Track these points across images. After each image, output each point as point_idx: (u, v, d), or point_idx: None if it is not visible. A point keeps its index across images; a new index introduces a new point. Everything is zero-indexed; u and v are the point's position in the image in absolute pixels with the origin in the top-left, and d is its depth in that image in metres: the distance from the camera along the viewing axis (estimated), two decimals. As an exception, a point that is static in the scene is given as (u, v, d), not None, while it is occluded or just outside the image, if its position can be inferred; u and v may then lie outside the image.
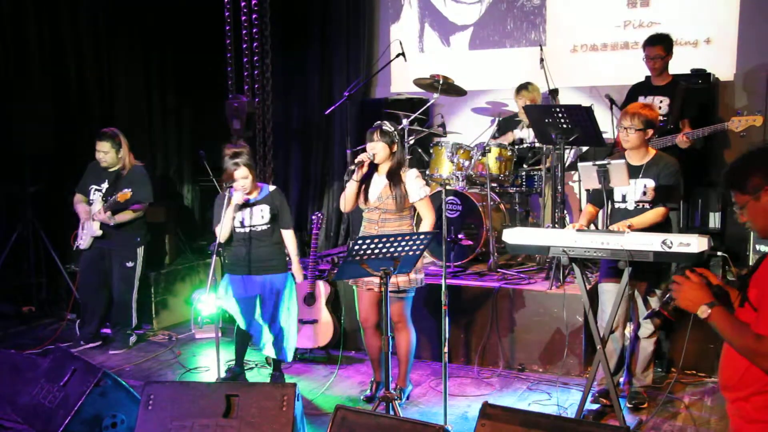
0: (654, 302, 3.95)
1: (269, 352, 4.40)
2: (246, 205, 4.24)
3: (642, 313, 4.00)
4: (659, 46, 5.08)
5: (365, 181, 4.06)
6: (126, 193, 4.88)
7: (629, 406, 4.04)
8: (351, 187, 4.03)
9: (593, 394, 3.98)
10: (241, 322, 4.35)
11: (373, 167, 4.05)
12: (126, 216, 5.17)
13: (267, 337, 4.35)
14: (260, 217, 4.27)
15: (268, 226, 4.30)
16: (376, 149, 3.97)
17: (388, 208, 3.98)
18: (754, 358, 2.06)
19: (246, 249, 4.26)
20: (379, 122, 4.04)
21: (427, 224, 4.03)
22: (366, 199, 4.06)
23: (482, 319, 4.87)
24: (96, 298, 5.37)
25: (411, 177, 4.02)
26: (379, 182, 4.04)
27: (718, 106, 5.96)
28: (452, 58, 7.11)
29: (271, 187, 4.37)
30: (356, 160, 3.99)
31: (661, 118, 5.13)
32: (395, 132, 4.01)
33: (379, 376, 4.27)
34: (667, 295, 2.33)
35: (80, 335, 5.36)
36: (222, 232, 4.16)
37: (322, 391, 4.45)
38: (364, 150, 4.04)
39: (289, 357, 4.47)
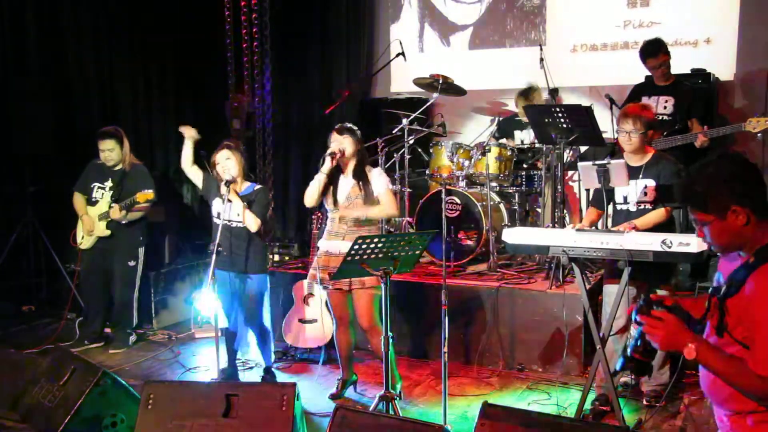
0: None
1: (254, 354, 4.41)
2: (225, 197, 4.20)
3: None
4: (660, 54, 5.10)
5: (332, 181, 4.06)
6: (148, 194, 4.87)
7: (646, 403, 4.04)
8: (320, 180, 4.02)
9: (591, 403, 3.96)
10: (222, 319, 4.36)
11: (338, 169, 4.06)
12: (137, 214, 5.18)
13: (250, 339, 4.36)
14: (236, 213, 4.22)
15: (244, 225, 4.28)
16: (345, 144, 4.01)
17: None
18: (762, 400, 1.97)
19: (225, 243, 4.22)
20: (340, 123, 4.13)
21: (382, 210, 4.00)
22: (335, 201, 4.06)
23: (482, 319, 4.87)
24: (98, 297, 5.37)
25: (376, 174, 4.07)
26: (347, 183, 4.06)
27: (718, 106, 5.97)
28: (452, 58, 7.11)
29: (257, 186, 4.35)
30: (328, 152, 4.00)
31: (666, 118, 5.14)
32: (359, 131, 4.09)
33: (346, 374, 4.32)
34: (635, 339, 2.18)
35: (84, 335, 5.35)
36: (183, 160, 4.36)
37: (322, 390, 4.45)
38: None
39: (270, 359, 4.51)
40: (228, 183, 4.13)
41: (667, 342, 2.04)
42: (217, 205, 4.26)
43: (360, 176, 4.02)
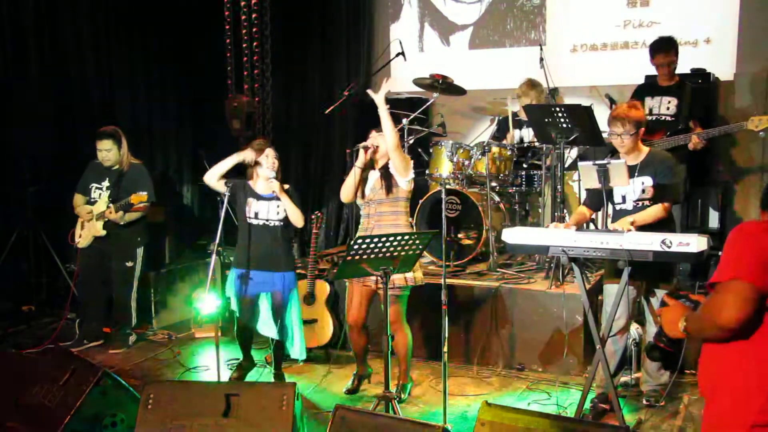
0: (656, 303, 3.95)
1: (290, 350, 4.44)
2: (261, 198, 4.27)
3: (647, 313, 4.01)
4: (672, 51, 5.11)
5: (364, 177, 4.09)
6: (142, 195, 4.88)
7: (646, 403, 4.05)
8: (354, 173, 4.06)
9: (591, 401, 3.97)
10: (243, 317, 4.36)
11: (371, 166, 4.09)
12: (134, 215, 5.19)
13: (282, 334, 4.38)
14: (276, 212, 4.29)
15: (282, 223, 4.32)
16: (379, 141, 4.04)
17: (381, 198, 4.02)
18: (710, 322, 1.97)
19: (258, 242, 4.27)
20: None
21: (390, 144, 3.91)
22: (363, 194, 4.11)
23: (482, 318, 4.87)
24: (96, 297, 5.37)
25: None
26: (373, 176, 4.11)
27: (718, 106, 5.97)
28: (452, 58, 7.11)
29: (286, 186, 4.38)
30: (361, 145, 4.03)
31: (669, 118, 5.14)
32: (400, 134, 4.09)
33: (362, 370, 4.39)
34: (659, 327, 2.29)
35: (83, 334, 5.36)
36: (212, 173, 4.25)
37: (322, 390, 4.45)
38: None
39: (301, 355, 4.48)
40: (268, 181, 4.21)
41: (666, 324, 2.17)
42: (255, 205, 4.28)
43: (385, 171, 4.04)
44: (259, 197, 4.29)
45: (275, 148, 4.39)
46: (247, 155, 4.27)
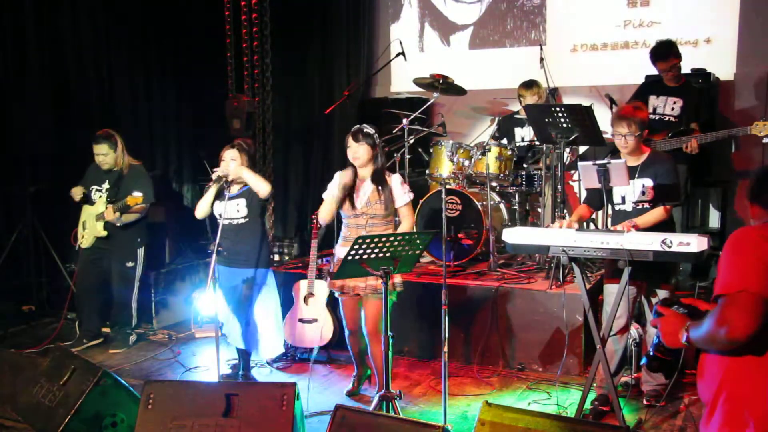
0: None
1: (237, 343, 4.44)
2: (224, 198, 4.25)
3: (648, 313, 4.00)
4: (671, 57, 5.11)
5: (350, 190, 4.02)
6: (137, 197, 4.90)
7: (646, 403, 4.05)
8: (336, 198, 4.01)
9: (591, 403, 3.96)
10: (220, 314, 4.38)
11: (354, 174, 4.04)
12: (132, 216, 5.19)
13: (236, 328, 4.38)
14: (236, 210, 4.29)
15: (246, 220, 4.31)
16: (359, 153, 3.94)
17: (376, 213, 3.97)
18: (719, 336, 1.95)
19: (225, 240, 4.26)
20: (358, 125, 4.02)
21: (406, 226, 4.02)
22: (353, 205, 4.00)
23: (482, 318, 4.87)
24: (94, 296, 5.37)
25: (397, 182, 4.02)
26: (366, 188, 4.01)
27: (718, 106, 5.97)
28: (452, 58, 7.12)
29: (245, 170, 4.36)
30: (343, 183, 4.00)
31: (673, 119, 5.14)
32: (376, 134, 4.02)
33: (361, 370, 4.39)
34: (654, 338, 2.27)
35: (83, 334, 5.36)
36: (199, 209, 4.34)
37: (322, 390, 4.45)
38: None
39: (264, 354, 4.48)
40: (219, 181, 4.19)
41: (666, 336, 2.15)
42: (218, 206, 4.30)
43: (379, 181, 3.98)
44: (223, 197, 4.27)
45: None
46: (218, 182, 4.27)
